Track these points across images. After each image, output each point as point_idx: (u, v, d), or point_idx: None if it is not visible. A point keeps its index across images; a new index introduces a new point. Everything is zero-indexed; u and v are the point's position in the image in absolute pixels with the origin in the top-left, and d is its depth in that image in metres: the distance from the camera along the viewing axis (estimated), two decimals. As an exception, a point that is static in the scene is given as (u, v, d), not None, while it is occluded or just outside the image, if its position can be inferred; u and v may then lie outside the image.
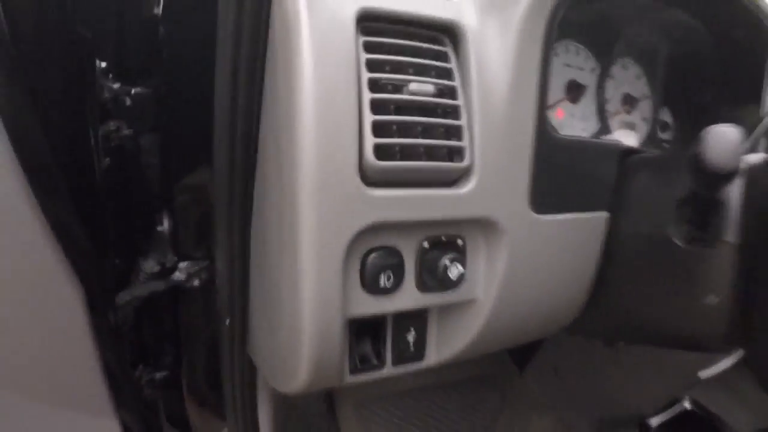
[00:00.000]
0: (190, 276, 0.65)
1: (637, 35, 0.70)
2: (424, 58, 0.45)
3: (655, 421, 0.96)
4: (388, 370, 0.50)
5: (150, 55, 0.62)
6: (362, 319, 0.47)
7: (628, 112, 0.71)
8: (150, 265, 0.66)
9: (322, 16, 0.42)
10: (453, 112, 0.45)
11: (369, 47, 0.43)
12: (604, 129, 0.68)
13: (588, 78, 0.67)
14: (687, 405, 0.99)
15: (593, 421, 0.97)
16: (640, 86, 0.72)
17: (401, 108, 0.43)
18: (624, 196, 0.56)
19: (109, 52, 0.59)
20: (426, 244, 0.47)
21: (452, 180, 0.46)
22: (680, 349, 0.66)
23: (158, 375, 0.73)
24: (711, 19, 0.69)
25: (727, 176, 0.45)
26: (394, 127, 0.43)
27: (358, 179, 0.42)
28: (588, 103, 0.67)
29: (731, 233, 0.50)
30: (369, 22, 0.44)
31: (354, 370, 0.49)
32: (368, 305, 0.46)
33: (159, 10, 0.61)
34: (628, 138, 0.70)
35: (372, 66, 0.43)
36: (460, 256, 0.48)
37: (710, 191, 0.48)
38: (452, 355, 0.53)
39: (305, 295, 0.43)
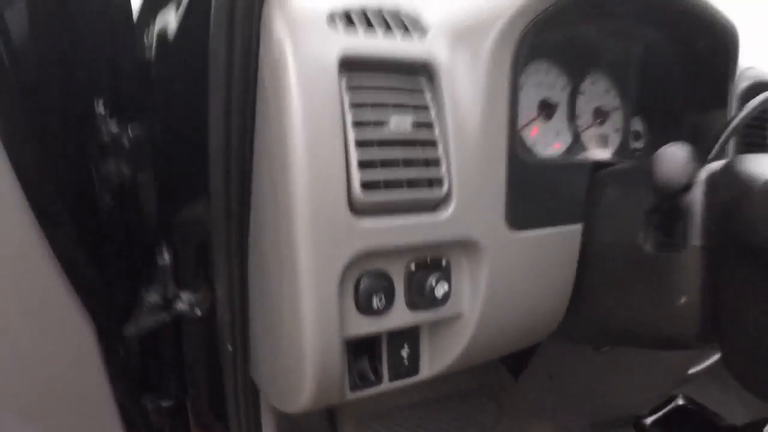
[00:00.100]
0: (191, 305, 0.70)
1: (606, 51, 0.77)
2: (402, 95, 0.51)
3: (649, 420, 1.01)
4: (386, 385, 0.56)
5: (144, 97, 0.67)
6: (359, 338, 0.52)
7: (600, 125, 0.77)
8: (152, 297, 0.70)
9: (307, 60, 0.47)
10: (430, 144, 0.51)
11: (351, 88, 0.49)
12: (577, 143, 0.74)
13: (559, 95, 0.73)
14: (680, 401, 1.04)
15: (589, 423, 1.02)
16: (611, 99, 0.78)
17: (383, 142, 0.49)
18: (596, 208, 0.62)
19: (107, 97, 0.65)
20: (413, 266, 0.53)
21: (433, 206, 0.52)
22: (660, 349, 0.71)
23: (164, 403, 0.78)
24: (674, 34, 0.75)
25: (682, 190, 0.51)
26: (378, 161, 0.48)
27: (347, 211, 0.47)
28: (560, 119, 0.73)
29: (696, 237, 0.56)
30: (350, 64, 0.49)
31: (354, 387, 0.54)
32: (363, 325, 0.52)
33: (151, 55, 0.67)
34: (600, 150, 0.76)
35: (355, 106, 0.48)
36: (445, 275, 0.54)
37: (670, 203, 0.54)
38: (445, 367, 0.58)
39: (305, 320, 0.48)
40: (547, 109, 0.70)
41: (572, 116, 0.74)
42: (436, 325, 0.57)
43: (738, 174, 0.54)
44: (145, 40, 0.68)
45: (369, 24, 0.52)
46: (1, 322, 0.56)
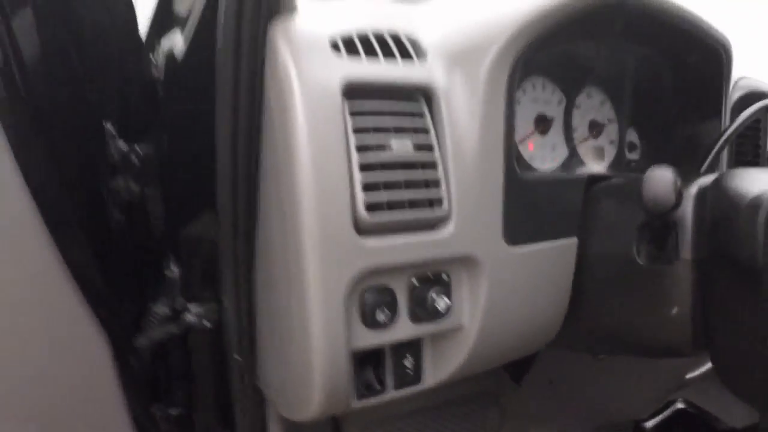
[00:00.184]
0: (199, 317, 0.73)
1: (600, 66, 0.81)
2: (403, 118, 0.55)
3: (650, 423, 1.05)
4: (390, 393, 0.59)
5: (152, 115, 0.71)
6: (364, 350, 0.56)
7: (596, 137, 0.81)
8: (161, 309, 0.74)
9: (312, 86, 0.51)
10: (431, 165, 0.55)
11: (354, 112, 0.53)
12: (573, 156, 0.77)
13: (555, 110, 0.76)
14: (680, 405, 1.08)
15: (590, 427, 1.06)
16: (605, 111, 0.82)
17: (386, 165, 0.53)
18: (591, 222, 0.66)
19: (115, 115, 0.69)
20: (415, 281, 0.56)
21: (434, 224, 0.56)
22: (655, 357, 0.75)
23: (173, 411, 0.82)
24: (666, 50, 0.79)
25: (670, 210, 0.55)
26: (381, 184, 0.52)
27: (352, 232, 0.51)
28: (556, 133, 0.76)
29: (687, 251, 0.59)
30: (353, 90, 0.53)
31: (360, 396, 0.58)
32: (369, 338, 0.55)
33: (159, 74, 0.70)
34: (596, 162, 0.80)
35: (358, 130, 0.52)
36: (446, 289, 0.57)
37: (660, 220, 0.58)
38: (447, 375, 0.62)
39: (314, 334, 0.52)
40: (543, 123, 0.74)
41: (568, 129, 0.77)
42: (438, 337, 0.61)
43: (726, 190, 0.58)
44: (153, 61, 0.71)
45: (370, 49, 0.56)
46: (20, 336, 0.60)
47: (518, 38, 0.59)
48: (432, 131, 0.56)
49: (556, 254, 0.65)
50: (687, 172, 0.79)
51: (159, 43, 0.71)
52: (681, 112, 0.84)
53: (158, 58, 0.70)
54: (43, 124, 0.58)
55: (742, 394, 0.58)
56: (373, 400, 0.59)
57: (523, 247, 0.61)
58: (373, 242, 0.52)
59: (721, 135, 0.78)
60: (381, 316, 0.55)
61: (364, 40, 0.56)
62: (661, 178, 0.55)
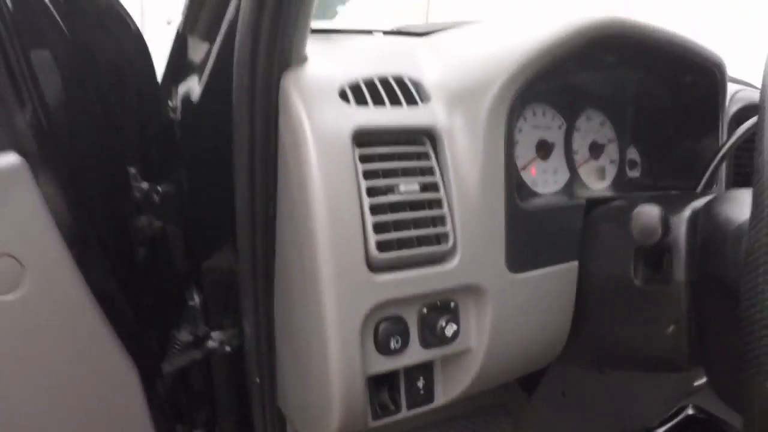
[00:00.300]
0: (221, 343, 0.80)
1: (598, 89, 0.86)
2: (409, 160, 0.61)
3: (660, 430, 1.11)
4: (404, 413, 0.66)
5: (171, 156, 0.78)
6: (379, 375, 0.63)
7: (597, 158, 0.87)
8: (184, 336, 0.81)
9: (324, 134, 0.58)
10: (437, 204, 0.62)
11: (364, 158, 0.59)
12: (575, 178, 0.84)
13: (556, 135, 0.82)
14: (690, 411, 1.14)
15: (603, 435, 1.12)
16: (605, 131, 0.88)
17: (394, 206, 0.59)
18: (590, 245, 0.72)
19: (137, 158, 0.75)
20: (425, 310, 0.63)
21: (441, 258, 0.62)
22: (654, 372, 0.81)
23: (195, 432, 0.89)
24: (662, 73, 0.85)
25: (659, 240, 0.61)
26: (391, 224, 0.59)
27: (365, 269, 0.58)
28: (557, 157, 0.83)
29: (680, 273, 0.65)
30: (362, 136, 0.60)
31: (375, 416, 0.64)
32: (383, 364, 0.62)
33: (177, 117, 0.77)
34: (598, 182, 0.86)
35: (368, 174, 0.59)
36: (454, 316, 0.64)
37: (653, 246, 0.64)
38: (457, 394, 0.69)
39: (332, 363, 0.59)
40: (544, 148, 0.80)
41: (569, 153, 0.83)
42: (447, 359, 0.67)
43: (716, 215, 0.64)
44: (170, 104, 0.78)
45: (376, 94, 0.62)
46: (54, 364, 0.67)
47: (515, 78, 0.65)
48: (437, 171, 0.62)
49: (558, 278, 0.71)
50: (686, 188, 0.85)
51: (175, 87, 0.77)
52: (679, 129, 0.89)
53: (175, 101, 0.77)
54: (71, 172, 0.65)
55: (733, 404, 0.64)
56: (387, 420, 0.65)
57: (526, 273, 0.68)
58: (384, 278, 0.59)
59: (719, 151, 0.84)
60: (394, 344, 0.61)
61: (371, 87, 0.62)
62: (647, 214, 0.61)
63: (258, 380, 0.73)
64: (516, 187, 0.68)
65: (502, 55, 0.67)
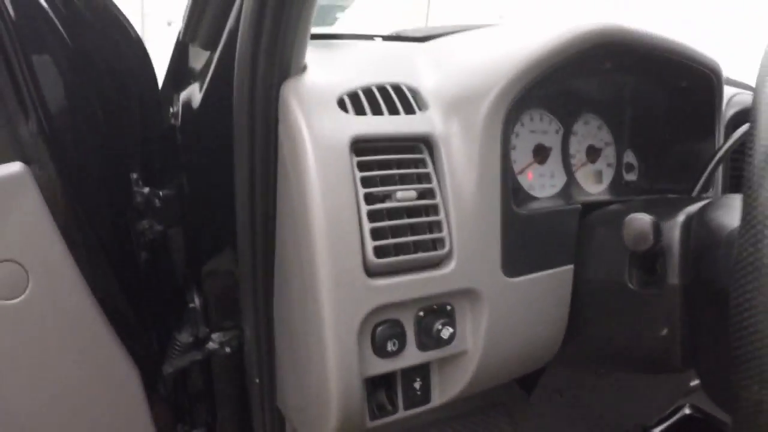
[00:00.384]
0: (222, 344, 0.82)
1: (595, 94, 0.88)
2: (407, 167, 0.63)
3: (657, 430, 1.12)
4: (401, 413, 0.67)
5: (172, 161, 0.79)
6: (376, 376, 0.64)
7: (593, 162, 0.88)
8: (185, 337, 0.83)
9: (322, 142, 0.59)
10: (433, 210, 0.63)
11: (362, 166, 0.61)
12: (572, 182, 0.85)
13: (553, 139, 0.84)
14: (687, 411, 1.15)
15: (600, 434, 1.13)
16: (602, 135, 0.89)
17: (392, 213, 0.61)
18: (585, 250, 0.74)
19: (138, 163, 0.77)
20: (421, 313, 0.64)
21: (437, 263, 0.64)
22: (649, 373, 0.82)
23: (196, 431, 0.91)
24: (658, 79, 0.86)
25: (651, 247, 0.62)
26: (388, 230, 0.60)
27: (363, 274, 0.59)
28: (554, 161, 0.84)
29: (674, 277, 0.67)
30: (360, 144, 0.61)
31: (373, 417, 0.66)
32: (380, 366, 0.63)
33: (177, 122, 0.79)
34: (594, 185, 0.87)
35: (366, 182, 0.60)
36: (450, 319, 0.65)
37: (646, 252, 0.65)
38: (454, 395, 0.70)
39: (330, 365, 0.60)
40: (541, 153, 0.82)
41: (566, 157, 0.85)
42: (444, 361, 0.69)
43: (709, 221, 0.65)
44: (171, 110, 0.80)
45: (375, 103, 0.64)
46: (58, 368, 0.68)
47: (512, 87, 0.66)
48: (434, 178, 0.64)
49: (553, 282, 0.73)
50: (682, 191, 0.87)
51: (177, 94, 0.79)
52: (676, 132, 0.91)
53: (176, 108, 0.79)
54: (74, 179, 0.67)
55: (724, 406, 0.65)
56: (385, 420, 0.67)
57: (522, 277, 0.69)
58: (381, 282, 0.60)
59: (715, 154, 0.85)
60: (391, 346, 0.63)
61: (370, 96, 0.64)
62: (639, 221, 0.62)
63: (258, 381, 0.75)
64: (513, 192, 0.70)
65: (498, 63, 0.68)
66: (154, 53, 0.76)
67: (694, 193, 0.84)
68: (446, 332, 0.64)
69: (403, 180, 0.62)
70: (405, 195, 0.61)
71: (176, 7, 0.78)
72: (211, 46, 0.69)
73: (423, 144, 0.65)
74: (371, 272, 0.60)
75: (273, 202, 0.65)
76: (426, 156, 0.64)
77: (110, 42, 0.72)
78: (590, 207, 0.77)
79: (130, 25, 0.72)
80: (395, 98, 0.65)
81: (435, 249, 0.63)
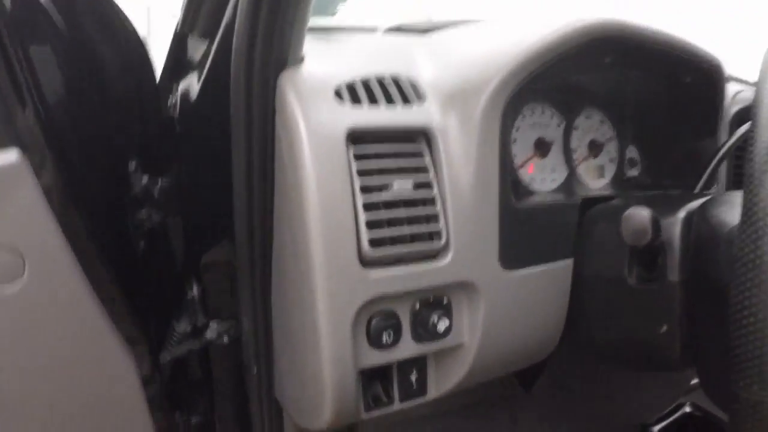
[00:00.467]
0: (219, 334, 0.81)
1: (598, 88, 0.86)
2: (404, 159, 0.62)
3: (656, 428, 1.11)
4: (397, 405, 0.67)
5: (171, 152, 0.79)
6: (372, 368, 0.63)
7: (595, 156, 0.87)
8: (183, 327, 0.82)
9: (318, 134, 0.58)
10: (430, 202, 0.62)
11: (358, 157, 0.60)
12: (573, 176, 0.84)
13: (554, 133, 0.83)
14: (688, 409, 1.14)
15: (600, 430, 1.12)
16: (605, 130, 0.88)
17: (388, 204, 0.60)
18: (585, 244, 0.73)
19: (137, 152, 0.76)
20: (417, 305, 0.64)
21: (433, 255, 0.63)
22: (648, 371, 0.81)
23: (194, 420, 0.91)
24: (661, 74, 0.85)
25: (650, 243, 0.61)
26: (384, 221, 0.59)
27: (358, 265, 0.58)
28: (556, 155, 0.83)
29: (674, 273, 0.66)
30: (357, 136, 0.60)
31: (368, 408, 0.65)
32: (375, 358, 0.63)
33: (176, 114, 0.78)
34: (596, 180, 0.86)
35: (362, 173, 0.59)
36: (447, 312, 0.65)
37: (646, 247, 0.64)
38: (450, 388, 0.70)
39: (324, 356, 0.60)
40: (542, 147, 0.81)
41: (567, 151, 0.84)
42: (440, 354, 0.68)
43: (710, 218, 0.64)
44: (169, 100, 0.79)
45: (373, 94, 0.63)
46: (53, 355, 0.68)
47: (510, 79, 0.65)
48: (431, 169, 0.63)
49: (552, 276, 0.72)
50: (685, 188, 0.85)
51: (175, 84, 0.78)
52: (679, 128, 0.89)
53: (175, 97, 0.78)
54: (71, 167, 0.66)
55: (722, 405, 0.64)
56: (380, 411, 0.66)
57: (520, 271, 0.68)
58: (377, 274, 0.60)
59: (718, 151, 0.84)
60: (386, 338, 0.62)
61: (367, 86, 0.63)
62: (637, 216, 0.61)
63: (255, 370, 0.74)
64: (513, 185, 0.69)
65: (497, 55, 0.67)
66: (161, 45, 0.76)
67: (697, 190, 0.82)
68: (442, 325, 0.64)
69: (400, 171, 0.62)
70: (402, 186, 0.60)
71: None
72: (208, 36, 0.68)
73: (421, 135, 0.64)
74: (366, 263, 0.59)
75: (270, 193, 0.64)
76: (423, 147, 0.64)
77: (107, 31, 0.71)
78: (591, 202, 0.76)
79: (126, 15, 0.72)
80: (393, 89, 0.64)
81: (431, 241, 0.62)
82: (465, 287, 0.66)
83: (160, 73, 0.79)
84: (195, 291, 0.82)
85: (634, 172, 0.91)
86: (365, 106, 0.61)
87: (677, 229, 0.66)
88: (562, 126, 0.83)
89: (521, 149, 0.79)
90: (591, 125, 0.87)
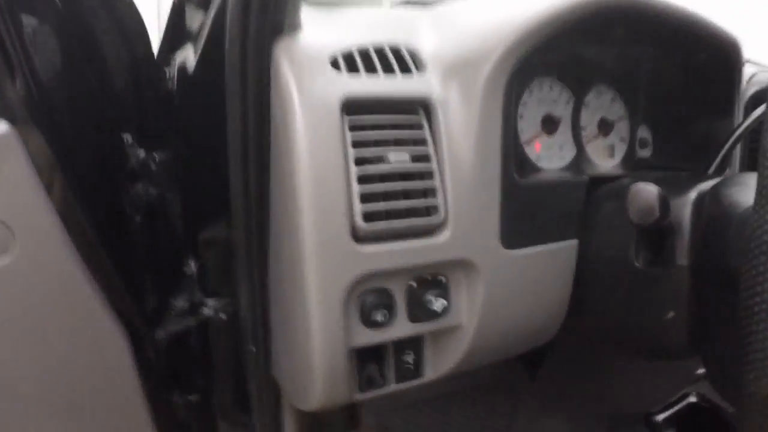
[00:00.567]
0: (216, 311, 0.80)
1: (609, 64, 0.82)
2: (402, 131, 0.59)
3: (660, 417, 1.08)
4: (392, 387, 0.65)
5: (168, 126, 0.76)
6: (364, 347, 0.61)
7: (606, 135, 0.83)
8: (180, 303, 0.81)
9: (312, 102, 0.56)
10: (428, 175, 0.59)
11: (353, 127, 0.57)
12: (581, 155, 0.80)
13: (563, 110, 0.79)
14: (693, 399, 1.11)
15: (603, 419, 1.09)
16: (616, 109, 0.84)
17: (384, 176, 0.57)
18: (591, 225, 0.69)
19: (133, 125, 0.74)
20: (413, 283, 0.61)
21: (431, 231, 0.60)
22: (650, 359, 0.78)
23: (191, 398, 0.89)
24: (674, 50, 0.81)
25: (657, 222, 0.58)
26: (379, 194, 0.57)
27: (350, 240, 0.56)
28: (564, 133, 0.79)
29: (682, 257, 0.62)
30: (352, 105, 0.57)
31: (362, 389, 0.63)
32: (368, 337, 0.60)
33: (173, 87, 0.76)
34: (606, 160, 0.83)
35: (357, 143, 0.57)
36: (444, 291, 0.62)
37: (655, 228, 0.61)
38: (448, 369, 0.67)
39: (313, 332, 0.58)
40: (550, 124, 0.77)
41: (576, 129, 0.80)
42: (437, 334, 0.65)
43: (722, 199, 0.61)
44: (167, 73, 0.77)
45: (370, 64, 0.60)
46: (43, 330, 0.67)
47: (514, 50, 0.62)
48: (430, 142, 0.60)
49: (556, 256, 0.68)
50: (697, 170, 0.82)
51: (172, 56, 0.76)
52: (693, 109, 0.85)
53: (172, 70, 0.76)
54: (63, 139, 0.64)
55: (729, 397, 0.61)
56: (374, 393, 0.64)
57: (522, 250, 0.65)
58: (370, 249, 0.57)
59: (733, 132, 0.80)
60: (379, 316, 0.59)
61: (365, 55, 0.60)
62: (645, 193, 0.58)
63: (252, 348, 0.72)
64: (518, 162, 0.66)
65: (502, 25, 0.64)
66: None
67: (710, 172, 0.78)
68: (439, 305, 0.61)
69: (398, 142, 0.59)
70: (398, 158, 0.57)
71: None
72: (205, 5, 0.65)
73: (420, 106, 0.61)
74: (359, 238, 0.56)
75: (266, 165, 0.62)
76: (422, 119, 0.60)
77: (102, 1, 0.69)
78: (599, 181, 0.73)
79: None
80: (392, 58, 0.61)
81: (429, 216, 0.59)
82: (463, 266, 0.63)
83: (159, 44, 0.77)
84: (192, 267, 0.80)
85: (645, 153, 0.87)
86: (362, 75, 0.58)
87: (687, 209, 0.62)
88: (572, 103, 0.80)
89: (528, 125, 0.76)
90: (601, 103, 0.83)
